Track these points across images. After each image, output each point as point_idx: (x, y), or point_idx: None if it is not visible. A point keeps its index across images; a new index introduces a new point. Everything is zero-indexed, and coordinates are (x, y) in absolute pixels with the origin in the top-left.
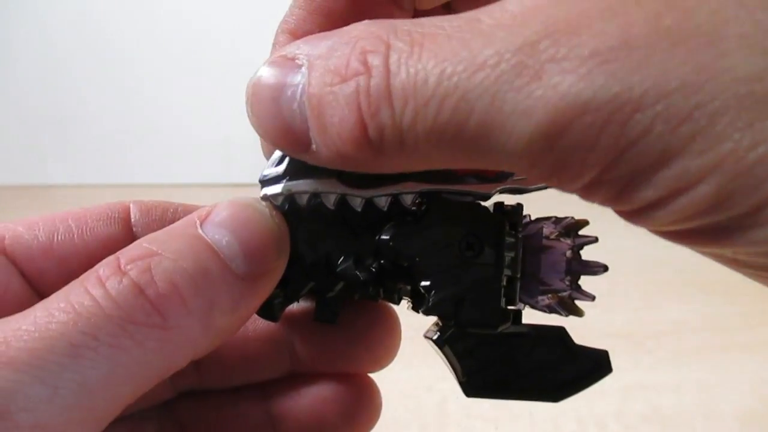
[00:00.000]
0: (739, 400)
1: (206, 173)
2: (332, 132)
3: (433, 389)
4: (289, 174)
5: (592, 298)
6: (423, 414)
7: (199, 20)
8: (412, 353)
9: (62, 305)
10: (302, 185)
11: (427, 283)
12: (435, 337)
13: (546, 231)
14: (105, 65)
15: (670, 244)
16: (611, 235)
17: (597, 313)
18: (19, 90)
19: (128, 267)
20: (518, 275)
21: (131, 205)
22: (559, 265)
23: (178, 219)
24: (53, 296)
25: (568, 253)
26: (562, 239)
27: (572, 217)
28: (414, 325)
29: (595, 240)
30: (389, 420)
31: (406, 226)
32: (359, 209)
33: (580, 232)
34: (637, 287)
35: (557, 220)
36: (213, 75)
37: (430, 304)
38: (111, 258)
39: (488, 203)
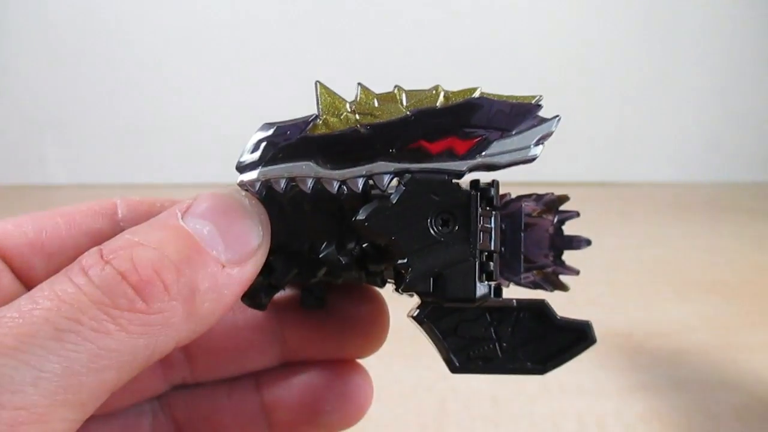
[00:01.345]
0: (739, 400)
1: (206, 173)
2: None
3: (433, 389)
4: (264, 160)
5: (576, 272)
6: (423, 414)
7: (199, 20)
8: (412, 353)
9: (46, 293)
10: (277, 170)
11: (404, 260)
12: (415, 314)
13: (528, 208)
14: (105, 65)
15: (670, 244)
16: (611, 235)
17: (597, 313)
18: (19, 90)
19: (111, 256)
20: (496, 250)
21: (118, 201)
22: (542, 241)
23: None
24: (37, 287)
25: (551, 229)
26: (544, 216)
27: (552, 193)
28: (412, 324)
29: (577, 214)
30: (389, 420)
31: (380, 205)
32: (335, 192)
33: (561, 208)
34: (637, 287)
35: (538, 197)
36: (213, 75)
37: (407, 281)
38: (94, 249)
39: (465, 181)
